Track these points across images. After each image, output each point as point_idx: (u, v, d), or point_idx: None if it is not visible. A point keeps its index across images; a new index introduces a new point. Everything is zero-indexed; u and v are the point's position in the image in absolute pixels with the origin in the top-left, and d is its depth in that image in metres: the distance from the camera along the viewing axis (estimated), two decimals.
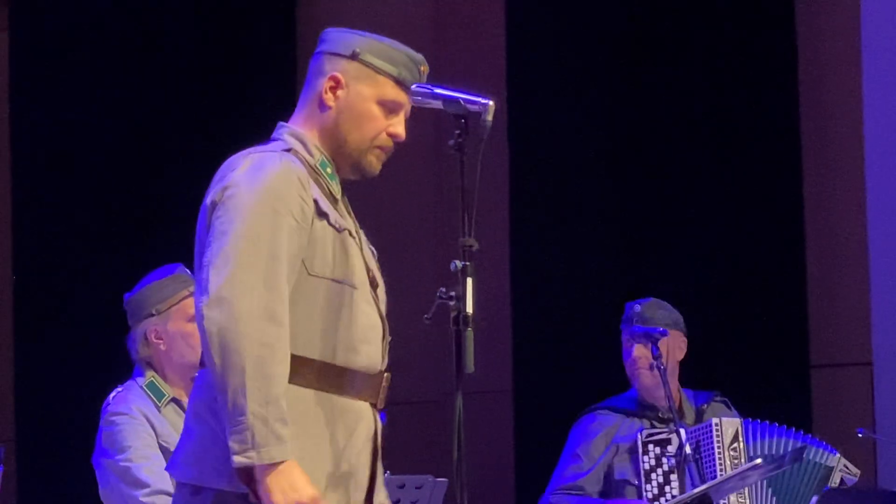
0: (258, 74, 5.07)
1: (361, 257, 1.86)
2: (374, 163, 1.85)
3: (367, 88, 1.81)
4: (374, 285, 1.86)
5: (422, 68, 1.88)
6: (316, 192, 1.79)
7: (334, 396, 1.77)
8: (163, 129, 5.08)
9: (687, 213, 4.94)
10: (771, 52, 4.93)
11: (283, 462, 1.66)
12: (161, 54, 5.14)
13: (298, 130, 1.85)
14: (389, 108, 1.83)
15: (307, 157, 1.83)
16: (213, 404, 1.69)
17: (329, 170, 1.86)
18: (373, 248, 1.93)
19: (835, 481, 3.44)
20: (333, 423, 1.78)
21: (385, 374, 1.83)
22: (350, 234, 1.85)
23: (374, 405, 1.82)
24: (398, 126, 1.83)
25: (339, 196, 1.87)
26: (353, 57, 1.81)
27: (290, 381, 1.70)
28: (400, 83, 1.82)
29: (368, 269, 1.86)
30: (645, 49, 4.92)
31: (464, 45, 5.20)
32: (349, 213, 1.90)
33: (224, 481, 1.70)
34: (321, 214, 1.77)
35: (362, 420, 1.80)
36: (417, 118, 1.89)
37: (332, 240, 1.80)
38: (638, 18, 4.93)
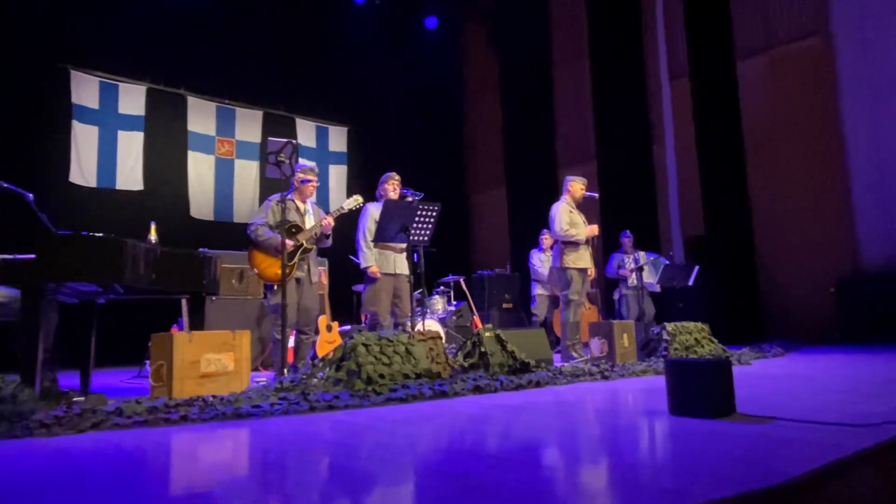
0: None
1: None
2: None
3: (576, 185, 8.13)
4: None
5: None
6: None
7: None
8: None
9: None
10: None
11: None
12: None
13: (566, 195, 8.14)
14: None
15: (573, 191, 8.11)
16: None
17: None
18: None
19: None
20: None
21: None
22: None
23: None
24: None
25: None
26: (567, 182, 8.21)
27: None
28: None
29: None
30: None
31: None
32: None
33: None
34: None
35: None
36: None
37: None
38: None
